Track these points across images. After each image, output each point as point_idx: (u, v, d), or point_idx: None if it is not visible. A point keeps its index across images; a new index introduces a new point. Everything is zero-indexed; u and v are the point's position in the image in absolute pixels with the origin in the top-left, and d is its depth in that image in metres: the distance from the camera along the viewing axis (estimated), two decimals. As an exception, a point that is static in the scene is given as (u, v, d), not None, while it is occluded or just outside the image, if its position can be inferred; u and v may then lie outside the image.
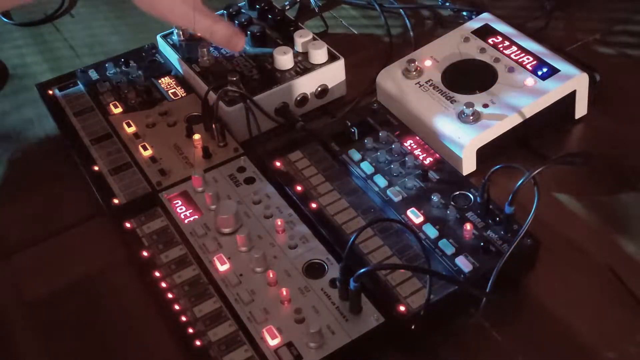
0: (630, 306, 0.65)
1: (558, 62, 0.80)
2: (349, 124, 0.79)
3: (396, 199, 0.71)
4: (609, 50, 0.93)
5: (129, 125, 0.83)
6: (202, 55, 0.87)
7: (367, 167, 0.75)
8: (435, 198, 0.70)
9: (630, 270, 0.68)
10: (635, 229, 0.71)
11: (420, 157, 0.75)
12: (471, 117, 0.76)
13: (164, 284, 0.66)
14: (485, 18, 0.88)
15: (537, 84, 0.79)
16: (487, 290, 0.62)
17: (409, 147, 0.77)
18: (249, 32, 0.89)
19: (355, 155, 0.76)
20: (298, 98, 0.85)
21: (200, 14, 0.80)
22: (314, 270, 0.66)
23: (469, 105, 0.76)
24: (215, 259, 0.68)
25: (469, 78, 0.81)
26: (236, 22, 0.92)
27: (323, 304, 0.63)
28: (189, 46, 0.90)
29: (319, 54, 0.86)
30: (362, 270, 0.59)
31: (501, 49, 0.83)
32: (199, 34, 0.85)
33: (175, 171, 0.77)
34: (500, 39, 0.85)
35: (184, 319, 0.63)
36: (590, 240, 0.71)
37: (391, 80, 0.83)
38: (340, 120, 0.82)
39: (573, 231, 0.72)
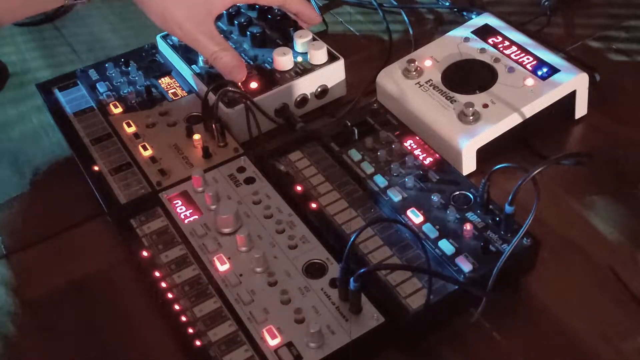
0: (630, 306, 0.65)
1: (558, 62, 0.80)
2: (349, 124, 0.79)
3: (396, 199, 0.71)
4: (609, 50, 0.93)
5: (129, 125, 0.83)
6: (202, 56, 0.87)
7: (367, 167, 0.75)
8: (435, 198, 0.70)
9: (630, 270, 0.68)
10: (635, 229, 0.71)
11: (420, 157, 0.75)
12: (471, 117, 0.76)
13: (164, 284, 0.66)
14: (485, 18, 0.88)
15: (537, 84, 0.79)
16: (487, 290, 0.62)
17: (409, 147, 0.77)
18: (248, 33, 0.89)
19: (355, 155, 0.76)
20: (298, 99, 0.85)
21: (207, 38, 0.80)
22: (314, 270, 0.66)
23: (469, 105, 0.76)
24: (215, 259, 0.68)
25: (469, 78, 0.81)
26: (236, 22, 0.92)
27: (323, 304, 0.63)
28: (189, 46, 0.90)
29: (319, 54, 0.86)
30: (362, 270, 0.59)
31: (501, 49, 0.83)
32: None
33: (175, 171, 0.77)
34: (500, 39, 0.85)
35: (184, 319, 0.63)
36: (590, 240, 0.71)
37: (391, 80, 0.83)
38: (340, 120, 0.82)
39: (573, 231, 0.72)
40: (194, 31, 0.80)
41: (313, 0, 1.03)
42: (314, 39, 0.87)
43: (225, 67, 0.81)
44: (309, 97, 0.86)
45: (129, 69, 0.90)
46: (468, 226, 0.66)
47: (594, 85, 0.83)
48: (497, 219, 0.67)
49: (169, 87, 0.88)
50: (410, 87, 0.82)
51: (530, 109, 0.77)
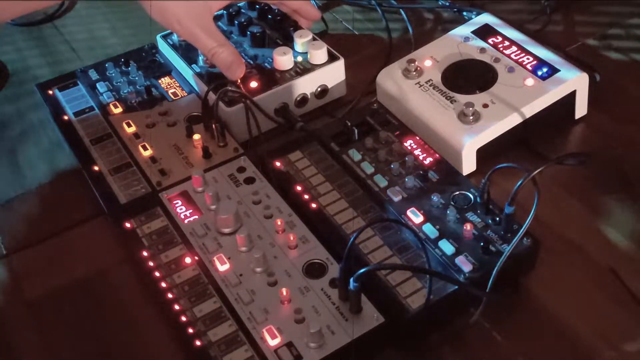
0: (630, 306, 0.65)
1: (558, 62, 0.80)
2: (349, 124, 0.79)
3: (396, 199, 0.71)
4: (609, 50, 0.93)
5: (129, 125, 0.83)
6: (202, 55, 0.87)
7: (367, 167, 0.75)
8: (435, 198, 0.70)
9: (630, 270, 0.68)
10: (635, 229, 0.71)
11: (420, 157, 0.75)
12: (471, 117, 0.76)
13: (164, 284, 0.66)
14: (485, 18, 0.88)
15: (537, 84, 0.79)
16: (487, 290, 0.62)
17: (409, 147, 0.77)
18: (248, 32, 0.89)
19: (355, 155, 0.76)
20: (298, 98, 0.85)
21: (205, 34, 0.80)
22: (314, 270, 0.66)
23: (469, 105, 0.76)
24: (215, 259, 0.68)
25: (469, 78, 0.81)
26: (236, 22, 0.92)
27: (323, 304, 0.63)
28: (189, 46, 0.90)
29: (319, 54, 0.86)
30: (362, 270, 0.59)
31: (501, 49, 0.83)
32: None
33: (175, 171, 0.77)
34: (500, 39, 0.85)
35: (184, 319, 0.63)
36: (590, 240, 0.71)
37: (391, 80, 0.83)
38: (340, 120, 0.82)
39: (573, 231, 0.72)
40: (192, 27, 0.80)
41: (313, 0, 1.03)
42: (314, 39, 0.87)
43: (223, 63, 0.81)
44: (309, 97, 0.86)
45: (129, 69, 0.90)
46: (468, 226, 0.66)
47: (594, 85, 0.83)
48: (497, 219, 0.67)
49: (169, 87, 0.88)
50: (410, 87, 0.82)
51: (530, 109, 0.77)
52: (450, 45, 0.86)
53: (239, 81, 0.83)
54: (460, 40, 0.86)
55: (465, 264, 0.64)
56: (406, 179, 0.73)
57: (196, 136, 0.80)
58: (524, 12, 1.01)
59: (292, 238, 0.68)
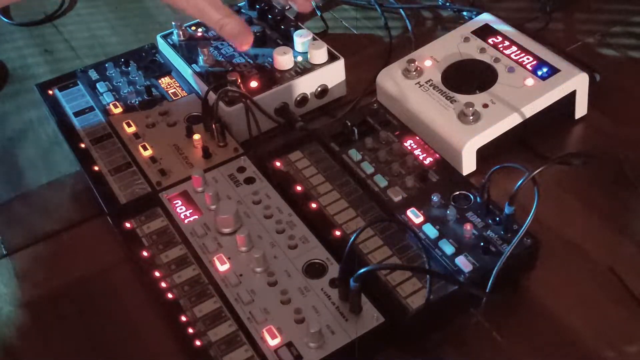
0: (630, 306, 0.65)
1: (558, 62, 0.80)
2: (349, 124, 0.79)
3: (396, 199, 0.71)
4: (609, 50, 0.93)
5: (129, 125, 0.83)
6: (202, 55, 0.87)
7: (367, 167, 0.75)
8: (435, 198, 0.70)
9: (630, 270, 0.67)
10: (635, 229, 0.71)
11: (420, 157, 0.75)
12: (471, 117, 0.76)
13: (164, 284, 0.66)
14: (485, 18, 0.88)
15: (537, 84, 0.79)
16: (487, 290, 0.62)
17: (409, 147, 0.77)
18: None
19: (356, 155, 0.76)
20: (298, 98, 0.85)
21: (211, 6, 0.80)
22: (314, 270, 0.66)
23: (469, 105, 0.76)
24: (215, 259, 0.68)
25: (469, 78, 0.81)
26: (236, 22, 0.92)
27: (323, 304, 0.63)
28: (189, 46, 0.90)
29: (319, 54, 0.86)
30: (362, 270, 0.59)
31: (501, 49, 0.83)
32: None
33: (175, 171, 0.77)
34: (500, 39, 0.85)
35: (184, 319, 0.63)
36: (590, 240, 0.71)
37: (391, 80, 0.83)
38: (340, 120, 0.82)
39: (573, 231, 0.72)
40: (198, 1, 0.80)
41: (313, 1, 1.03)
42: (314, 39, 0.87)
43: (231, 34, 0.81)
44: (309, 96, 0.86)
45: (129, 69, 0.90)
46: (468, 226, 0.66)
47: (594, 85, 0.83)
48: (497, 219, 0.67)
49: (169, 87, 0.88)
50: (410, 87, 0.82)
51: (530, 109, 0.77)
52: (450, 45, 0.86)
53: (239, 80, 0.83)
54: (460, 40, 0.86)
55: (465, 264, 0.64)
56: (406, 179, 0.73)
57: (196, 136, 0.80)
58: (524, 12, 1.01)
59: (292, 238, 0.68)
